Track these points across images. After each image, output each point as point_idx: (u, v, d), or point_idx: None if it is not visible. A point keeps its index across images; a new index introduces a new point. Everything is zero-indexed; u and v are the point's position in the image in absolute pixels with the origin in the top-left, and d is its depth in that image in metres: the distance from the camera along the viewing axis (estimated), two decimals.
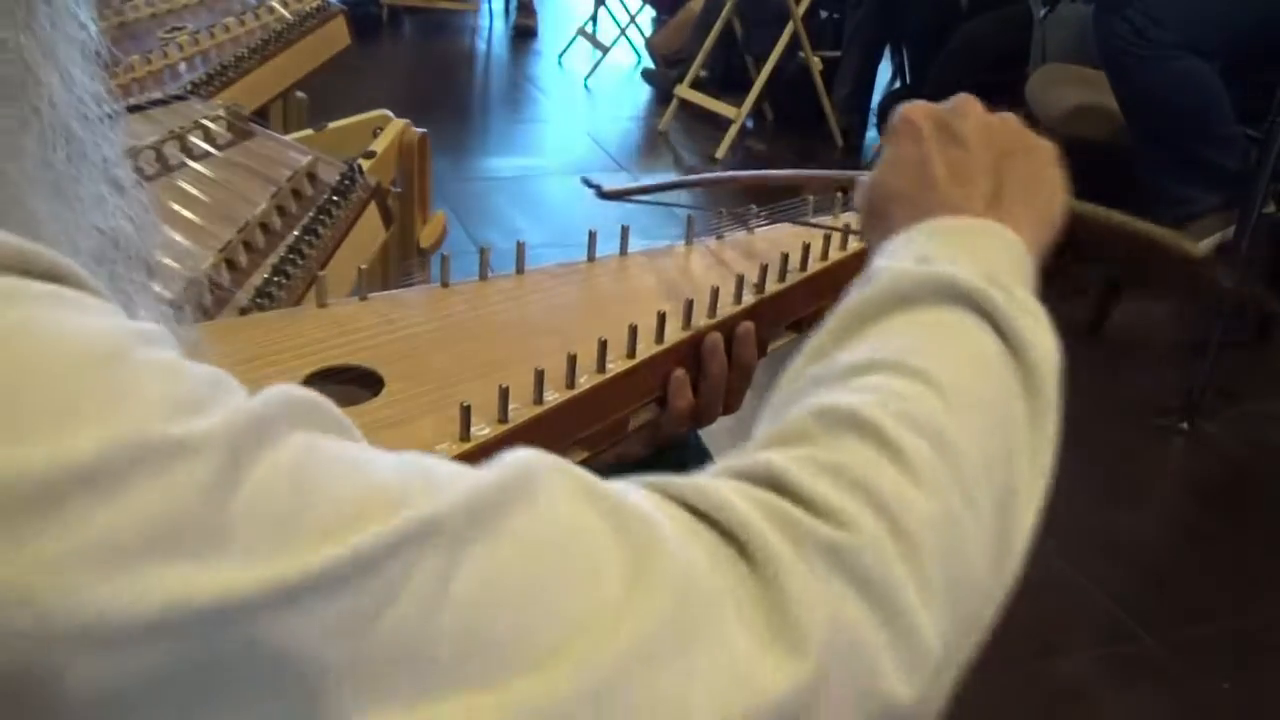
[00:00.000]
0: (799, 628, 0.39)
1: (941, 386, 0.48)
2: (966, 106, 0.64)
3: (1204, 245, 2.49)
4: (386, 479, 0.35)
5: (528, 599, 0.35)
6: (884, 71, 4.16)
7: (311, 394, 0.36)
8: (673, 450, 0.88)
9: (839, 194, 1.02)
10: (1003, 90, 3.31)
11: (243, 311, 0.99)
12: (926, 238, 0.57)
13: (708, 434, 0.91)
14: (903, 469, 0.45)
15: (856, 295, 0.54)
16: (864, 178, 0.66)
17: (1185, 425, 2.37)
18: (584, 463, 0.79)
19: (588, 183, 0.96)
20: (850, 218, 0.99)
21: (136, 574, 0.29)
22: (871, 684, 0.41)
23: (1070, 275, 0.73)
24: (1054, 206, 0.64)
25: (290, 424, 0.34)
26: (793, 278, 0.91)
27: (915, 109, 0.64)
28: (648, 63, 4.77)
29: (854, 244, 0.95)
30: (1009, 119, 0.65)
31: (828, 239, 0.94)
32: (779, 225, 0.99)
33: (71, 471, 0.29)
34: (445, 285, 0.90)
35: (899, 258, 0.55)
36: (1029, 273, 0.58)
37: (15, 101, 0.39)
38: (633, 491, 0.42)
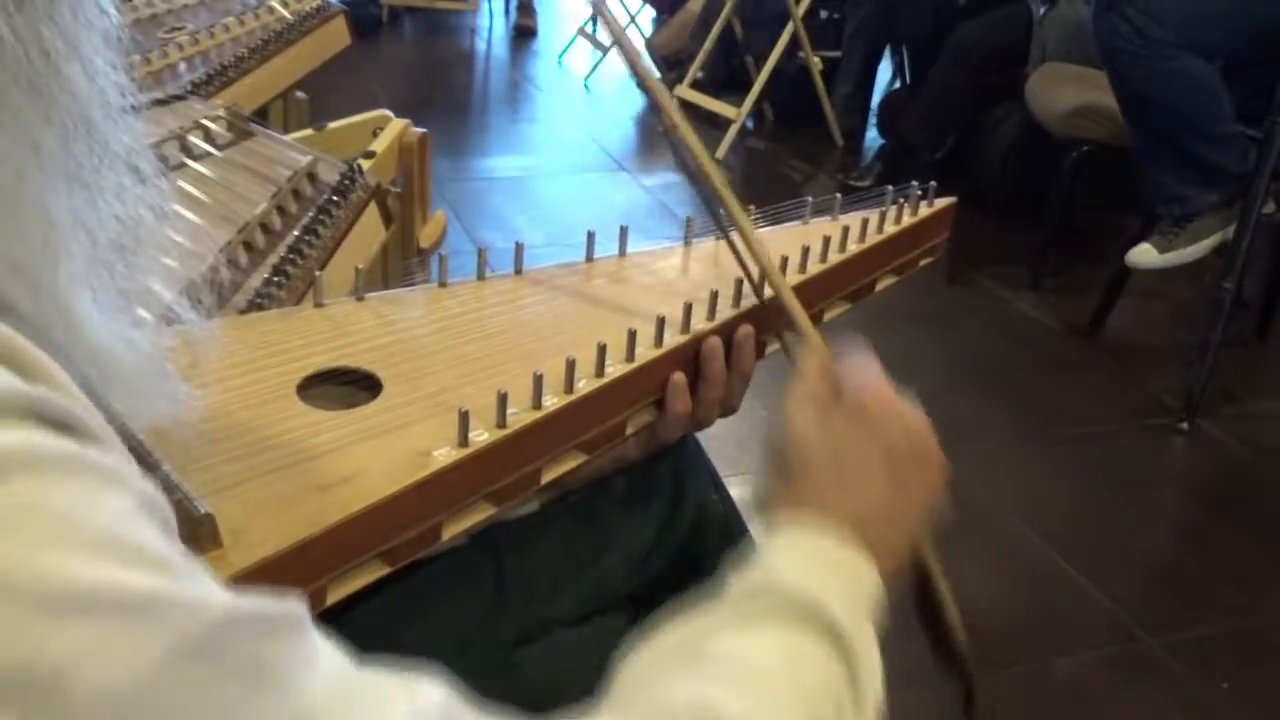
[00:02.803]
0: None
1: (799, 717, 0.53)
2: (915, 427, 0.68)
3: (1206, 246, 2.49)
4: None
5: None
6: (884, 71, 4.16)
7: (267, 613, 0.37)
8: (670, 452, 0.87)
9: (838, 195, 1.02)
10: (1003, 90, 3.32)
11: (243, 311, 0.99)
12: (820, 557, 0.61)
13: (705, 435, 0.90)
14: None
15: (747, 584, 0.59)
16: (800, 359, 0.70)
17: (1185, 425, 2.37)
18: (582, 465, 0.79)
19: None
20: (847, 220, 0.98)
21: None
22: None
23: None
24: (911, 553, 0.69)
25: (239, 652, 0.35)
26: (791, 280, 0.90)
27: (877, 394, 0.68)
28: (648, 62, 4.76)
29: (852, 246, 0.95)
30: (937, 455, 0.68)
31: (826, 241, 0.93)
32: (774, 228, 0.99)
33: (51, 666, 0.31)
34: (443, 285, 0.90)
35: (789, 564, 0.60)
36: (879, 611, 0.62)
37: (37, 95, 0.39)
38: None
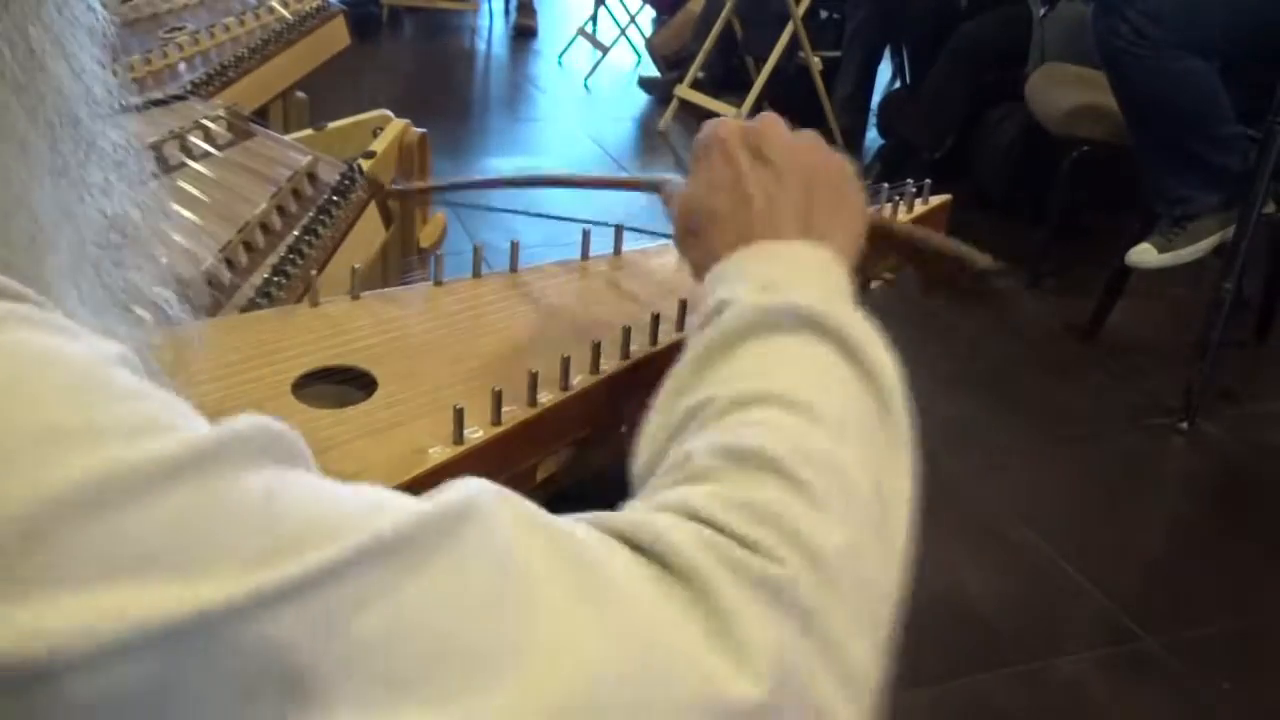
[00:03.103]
0: (751, 656, 0.40)
1: (824, 419, 0.51)
2: (771, 127, 0.66)
3: (1206, 246, 2.49)
4: (346, 506, 0.36)
5: (478, 620, 0.36)
6: (884, 71, 4.16)
7: (277, 425, 0.37)
8: None
9: None
10: (1003, 90, 3.32)
11: (243, 311, 0.99)
12: (760, 264, 0.59)
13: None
14: (808, 502, 0.46)
15: (713, 327, 0.56)
16: (671, 186, 0.68)
17: (1185, 425, 2.37)
18: (577, 462, 0.79)
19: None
20: None
21: (121, 593, 0.31)
22: (818, 711, 0.43)
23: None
24: (858, 222, 0.66)
25: (259, 451, 0.35)
26: None
27: (724, 126, 0.66)
28: (648, 64, 4.77)
29: None
30: (810, 137, 0.67)
31: None
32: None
33: (51, 503, 0.31)
34: (439, 284, 0.90)
35: (742, 286, 0.57)
36: (849, 289, 0.60)
37: (22, 93, 0.39)
38: (573, 524, 0.43)
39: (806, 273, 0.59)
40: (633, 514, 0.45)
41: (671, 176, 0.72)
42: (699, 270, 0.64)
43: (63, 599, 0.30)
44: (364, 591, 0.34)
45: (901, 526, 0.52)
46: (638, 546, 0.43)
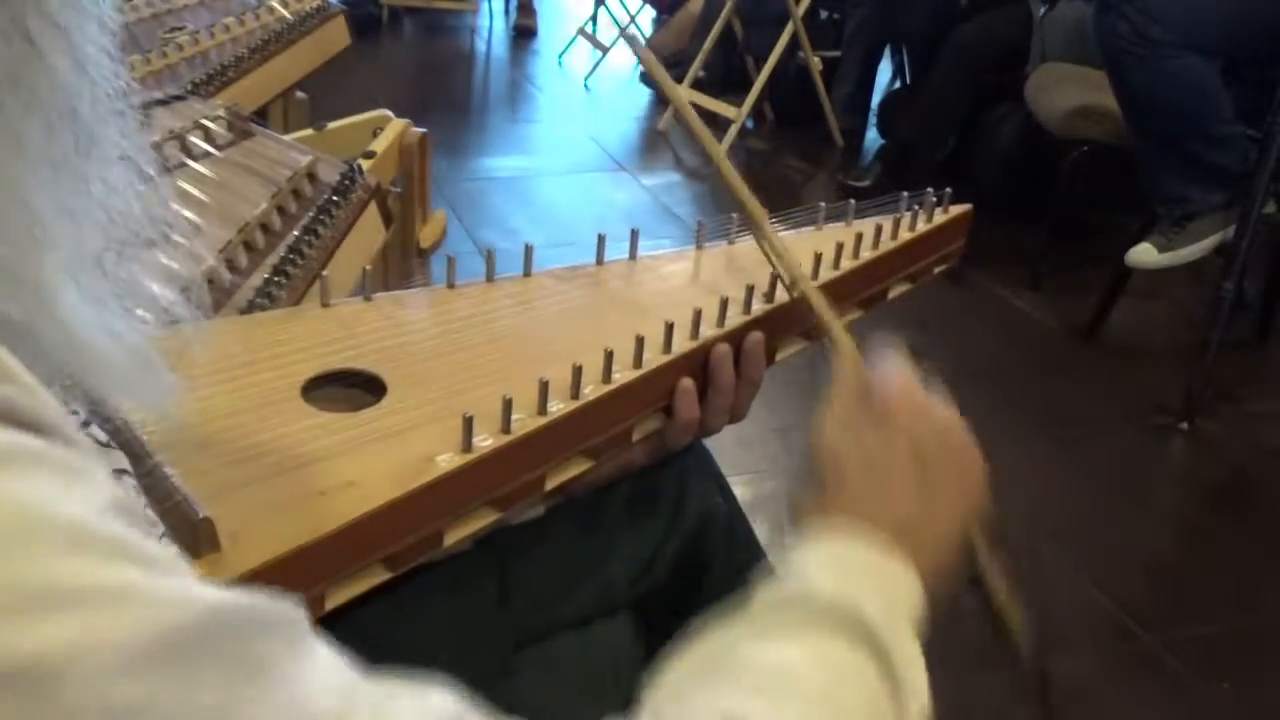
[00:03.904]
0: None
1: None
2: (944, 418, 0.68)
3: (1206, 246, 2.48)
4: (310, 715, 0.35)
5: None
6: (884, 71, 4.16)
7: (259, 611, 0.36)
8: (676, 457, 0.87)
9: (851, 202, 1.00)
10: (1003, 90, 3.32)
11: (243, 311, 0.99)
12: (853, 557, 0.61)
13: (712, 441, 0.90)
14: None
15: (779, 593, 0.59)
16: (819, 416, 0.68)
17: (1185, 425, 2.36)
18: (587, 472, 0.78)
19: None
20: (861, 227, 0.97)
21: None
22: None
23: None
24: (954, 553, 0.68)
25: (232, 646, 0.35)
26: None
27: (904, 386, 0.67)
28: None
29: (866, 253, 0.93)
30: (973, 455, 0.68)
31: (840, 247, 0.92)
32: (787, 233, 0.98)
33: (13, 667, 0.30)
34: (451, 286, 0.90)
35: (822, 571, 0.59)
36: (920, 614, 0.61)
37: (20, 87, 0.39)
38: None
39: (886, 586, 0.60)
40: None
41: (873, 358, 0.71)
42: (801, 498, 0.66)
43: None
44: None
45: None
46: None
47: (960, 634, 0.59)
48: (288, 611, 0.37)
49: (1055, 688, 0.79)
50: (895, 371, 0.68)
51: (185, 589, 0.35)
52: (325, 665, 0.38)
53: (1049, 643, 1.79)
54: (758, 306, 0.85)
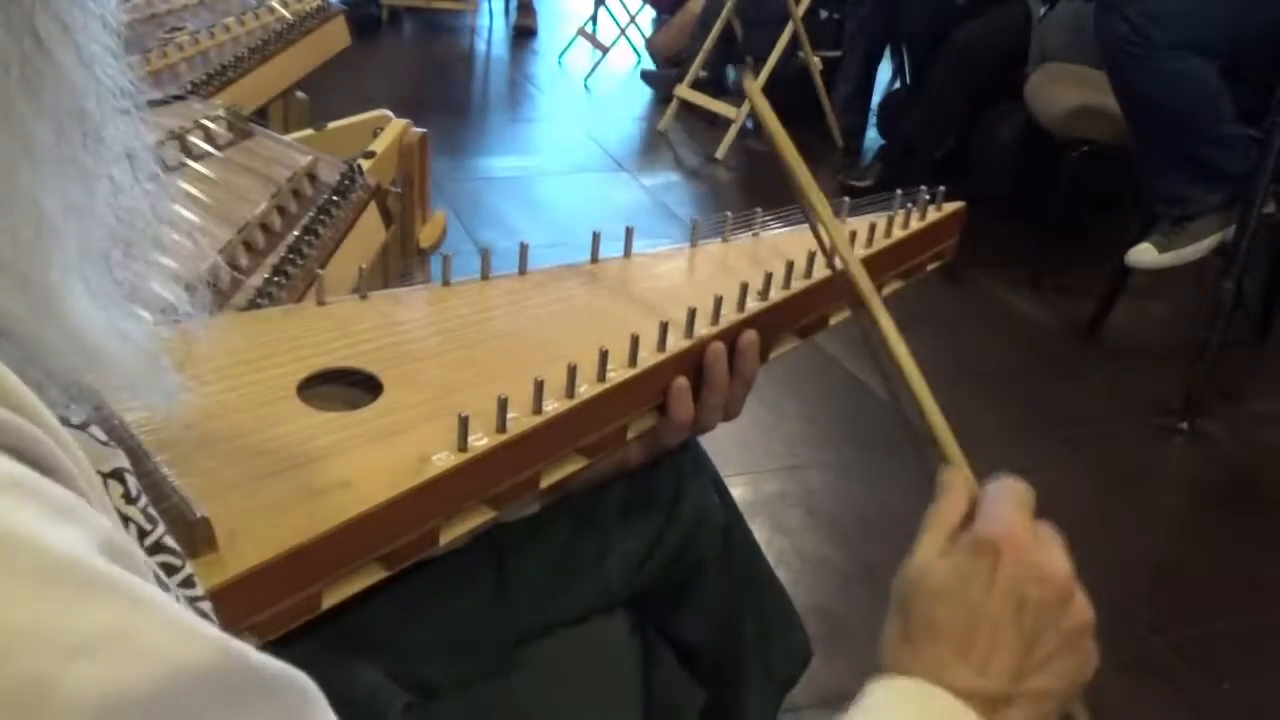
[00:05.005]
0: None
1: None
2: (1058, 581, 0.60)
3: (1206, 246, 2.49)
4: None
5: None
6: (884, 71, 4.16)
7: (261, 667, 0.34)
8: (671, 455, 0.87)
9: (845, 199, 1.00)
10: (1003, 90, 3.32)
11: (242, 311, 0.99)
12: (937, 710, 0.57)
13: (707, 439, 0.90)
14: None
15: None
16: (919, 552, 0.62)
17: (1185, 425, 2.36)
18: (582, 470, 0.78)
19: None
20: (855, 225, 0.97)
21: None
22: None
23: None
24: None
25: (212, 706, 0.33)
26: (798, 285, 0.89)
27: (1015, 541, 0.60)
28: (648, 63, 4.77)
29: (860, 251, 0.93)
30: (1083, 613, 0.61)
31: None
32: (781, 231, 0.98)
33: None
34: (447, 284, 0.90)
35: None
36: None
37: (29, 87, 0.39)
38: None
39: None
40: None
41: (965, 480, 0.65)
42: (889, 638, 0.60)
43: None
44: None
45: None
46: None
47: None
48: (296, 679, 0.35)
49: None
50: (1008, 500, 0.62)
51: (181, 632, 0.33)
52: None
53: None
54: (752, 305, 0.85)
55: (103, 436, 0.46)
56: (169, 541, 0.47)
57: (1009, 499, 0.62)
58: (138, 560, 0.35)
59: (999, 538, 0.60)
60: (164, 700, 0.31)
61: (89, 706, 0.29)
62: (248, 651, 0.33)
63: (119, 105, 0.44)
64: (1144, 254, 2.53)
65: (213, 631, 0.33)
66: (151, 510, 0.47)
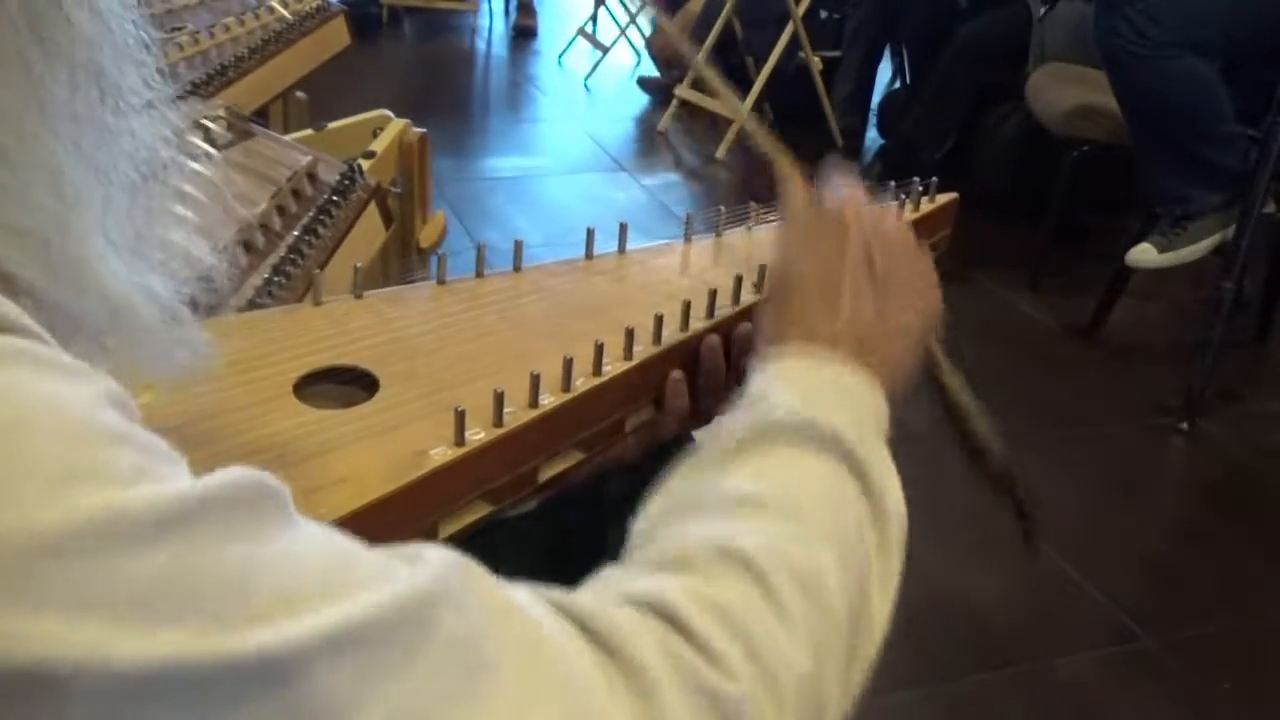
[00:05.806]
0: None
1: (823, 542, 0.53)
2: (895, 233, 0.71)
3: (1206, 246, 2.48)
4: (321, 570, 0.36)
5: (443, 713, 0.37)
6: (884, 71, 4.16)
7: (257, 481, 0.37)
8: (669, 449, 0.87)
9: None
10: (1003, 90, 3.32)
11: (241, 311, 0.99)
12: (813, 375, 0.62)
13: (705, 434, 0.90)
14: (781, 620, 0.48)
15: (748, 417, 0.59)
16: (780, 245, 0.72)
17: (1185, 425, 2.36)
18: (580, 464, 0.78)
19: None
20: None
21: (96, 630, 0.31)
22: None
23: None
24: (915, 365, 0.69)
25: (241, 508, 0.36)
26: None
27: (854, 208, 0.70)
28: (648, 64, 4.77)
29: None
30: (925, 261, 0.72)
31: None
32: (777, 223, 0.98)
33: (44, 543, 0.31)
34: (441, 283, 0.90)
35: (789, 391, 0.60)
36: (885, 425, 0.63)
37: (42, 45, 0.39)
38: (538, 606, 0.44)
39: (851, 399, 0.61)
40: (598, 605, 0.46)
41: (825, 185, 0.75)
42: (760, 330, 0.68)
43: (46, 622, 0.30)
44: (330, 682, 0.34)
45: (868, 659, 0.54)
46: (596, 636, 0.44)
47: None
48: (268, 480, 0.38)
49: (1025, 486, 0.79)
50: (845, 186, 0.72)
51: (183, 474, 0.36)
52: (315, 527, 0.39)
53: (1049, 640, 1.79)
54: (747, 297, 0.86)
55: None
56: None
57: (844, 181, 0.72)
58: (132, 408, 0.38)
59: (843, 204, 0.71)
60: (195, 510, 0.34)
61: (159, 509, 0.33)
62: (231, 473, 0.36)
63: (134, 56, 0.44)
64: (1144, 254, 2.53)
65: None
66: None
